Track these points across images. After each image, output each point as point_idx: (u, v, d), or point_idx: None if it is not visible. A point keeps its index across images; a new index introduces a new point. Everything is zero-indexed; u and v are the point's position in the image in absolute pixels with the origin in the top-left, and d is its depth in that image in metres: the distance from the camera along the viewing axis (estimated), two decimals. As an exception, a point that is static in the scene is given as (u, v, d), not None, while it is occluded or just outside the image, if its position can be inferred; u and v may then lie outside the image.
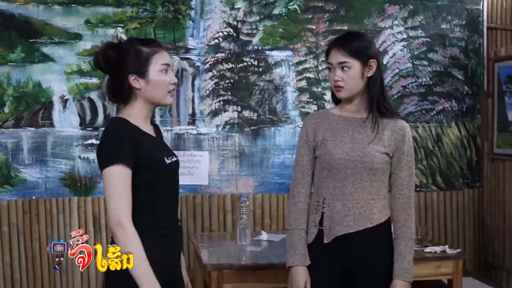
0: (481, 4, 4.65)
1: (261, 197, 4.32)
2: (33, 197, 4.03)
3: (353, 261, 2.33)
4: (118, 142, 2.04)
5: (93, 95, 4.12)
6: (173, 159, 2.20)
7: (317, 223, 2.36)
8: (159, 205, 2.12)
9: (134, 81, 2.11)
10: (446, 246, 3.37)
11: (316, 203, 2.38)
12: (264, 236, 3.61)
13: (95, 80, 4.10)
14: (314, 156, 2.42)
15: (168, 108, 4.19)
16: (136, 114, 2.13)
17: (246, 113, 4.31)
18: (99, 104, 4.13)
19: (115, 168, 2.00)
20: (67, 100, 4.09)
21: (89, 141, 4.10)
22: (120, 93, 2.15)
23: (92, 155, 4.08)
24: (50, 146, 4.07)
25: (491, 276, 4.59)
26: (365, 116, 2.36)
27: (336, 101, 2.47)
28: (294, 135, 4.34)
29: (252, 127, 4.31)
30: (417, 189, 4.49)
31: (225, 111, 4.27)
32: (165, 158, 2.15)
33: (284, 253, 3.02)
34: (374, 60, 2.33)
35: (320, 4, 4.38)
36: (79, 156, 4.09)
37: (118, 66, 2.13)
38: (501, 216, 4.49)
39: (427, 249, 3.29)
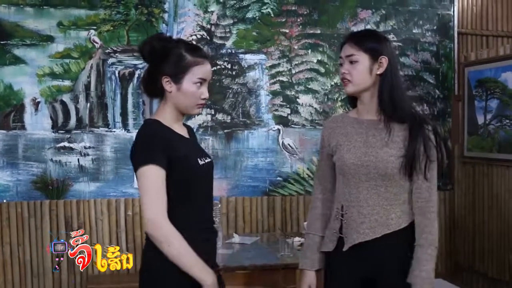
0: (452, 10, 4.72)
1: (235, 200, 4.33)
2: (4, 201, 3.99)
3: (373, 269, 2.22)
4: (150, 143, 2.04)
5: (66, 98, 4.10)
6: (206, 160, 2.18)
7: (338, 231, 2.28)
8: (192, 207, 2.11)
9: (167, 83, 2.10)
10: (416, 248, 3.40)
11: (336, 210, 2.31)
12: (236, 239, 3.62)
13: (67, 83, 4.08)
14: (332, 162, 2.33)
15: (142, 111, 4.19)
16: (168, 116, 2.14)
17: (219, 116, 4.32)
18: (71, 107, 4.10)
19: (148, 168, 1.98)
20: (39, 102, 4.06)
21: (61, 144, 4.08)
22: (151, 89, 2.16)
23: (64, 158, 4.07)
24: (22, 149, 4.03)
25: (462, 278, 4.66)
26: (378, 118, 2.25)
27: (352, 104, 2.38)
28: (267, 138, 4.37)
29: (225, 130, 4.32)
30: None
31: (198, 114, 4.26)
32: (198, 159, 2.14)
33: (255, 256, 3.06)
34: (385, 57, 2.21)
35: (293, 8, 4.41)
36: (51, 159, 4.06)
37: (157, 62, 2.12)
38: (471, 218, 4.56)
39: (397, 251, 3.32)
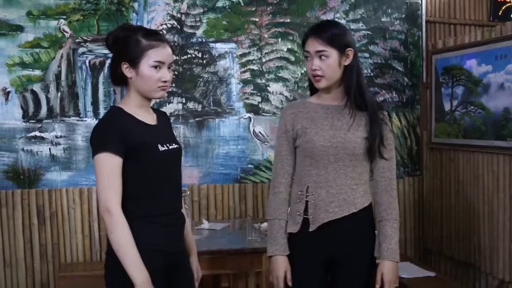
0: (420, -2, 4.80)
1: (206, 187, 4.38)
2: (-25, 190, 4.00)
3: (339, 247, 2.37)
4: (107, 131, 2.10)
5: (36, 87, 4.10)
6: (170, 147, 2.21)
7: (302, 212, 2.39)
8: (151, 193, 2.14)
9: (127, 69, 2.15)
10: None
11: (299, 193, 2.41)
12: (206, 225, 3.67)
13: (37, 72, 4.09)
14: (294, 146, 2.44)
15: (113, 100, 4.21)
16: (131, 103, 2.20)
17: (190, 105, 4.35)
18: (42, 96, 4.11)
19: (102, 155, 2.05)
20: (9, 92, 4.06)
21: (33, 133, 4.08)
22: (115, 77, 2.22)
23: (36, 147, 4.08)
24: (-8, 139, 4.04)
25: (430, 261, 4.76)
26: (343, 103, 2.40)
27: (312, 90, 2.50)
28: (238, 126, 4.42)
29: (196, 119, 4.36)
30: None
31: (169, 102, 4.31)
32: (159, 145, 2.16)
33: (223, 241, 3.11)
34: (351, 49, 2.36)
35: (263, -3, 4.46)
36: (22, 148, 4.07)
37: (117, 51, 2.19)
38: (439, 203, 4.65)
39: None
